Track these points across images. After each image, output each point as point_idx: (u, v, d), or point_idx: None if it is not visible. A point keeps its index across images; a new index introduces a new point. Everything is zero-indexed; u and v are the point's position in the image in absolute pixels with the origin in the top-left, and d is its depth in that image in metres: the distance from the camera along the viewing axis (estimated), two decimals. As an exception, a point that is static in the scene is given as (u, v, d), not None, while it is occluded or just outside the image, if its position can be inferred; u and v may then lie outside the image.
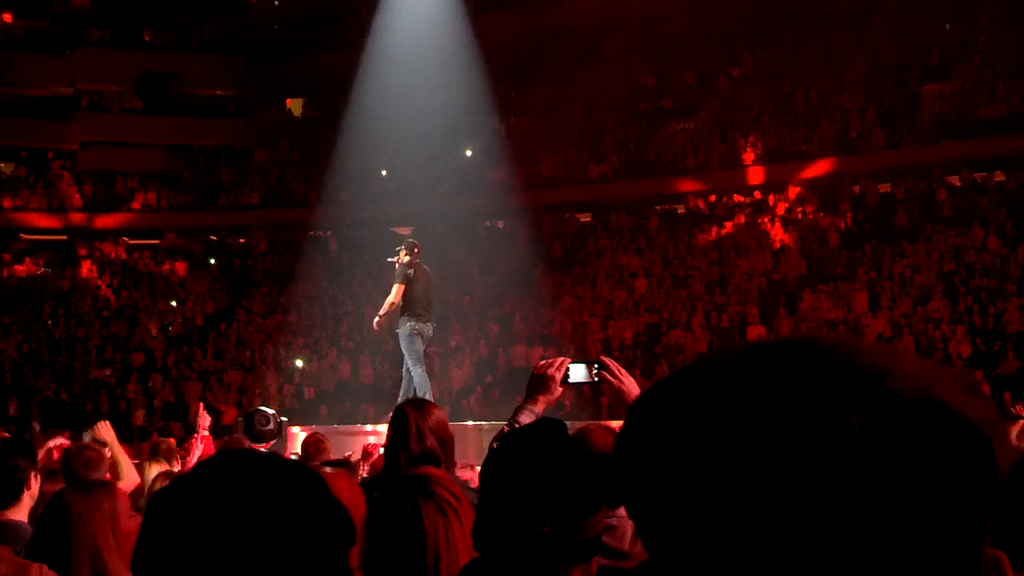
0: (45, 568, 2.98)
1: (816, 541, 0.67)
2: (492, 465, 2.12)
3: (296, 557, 1.06)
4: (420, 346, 10.67)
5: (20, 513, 4.09)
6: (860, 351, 0.72)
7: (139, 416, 24.21)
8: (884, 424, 0.67)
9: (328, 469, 5.26)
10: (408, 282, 10.59)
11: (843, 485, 0.66)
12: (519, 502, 1.97)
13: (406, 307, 10.62)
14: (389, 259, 11.01)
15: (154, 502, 1.12)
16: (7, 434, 10.21)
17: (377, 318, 11.05)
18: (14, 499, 4.04)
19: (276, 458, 1.20)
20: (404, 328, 10.63)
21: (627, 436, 0.78)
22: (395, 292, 10.61)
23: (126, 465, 5.69)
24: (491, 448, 2.21)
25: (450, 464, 3.94)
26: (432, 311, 10.81)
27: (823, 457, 0.67)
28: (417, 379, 10.66)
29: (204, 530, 1.05)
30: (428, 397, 10.52)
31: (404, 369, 10.90)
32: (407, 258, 10.68)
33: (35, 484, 4.18)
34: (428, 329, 10.71)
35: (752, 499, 0.68)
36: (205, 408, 7.66)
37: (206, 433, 7.36)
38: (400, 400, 10.60)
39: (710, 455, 0.70)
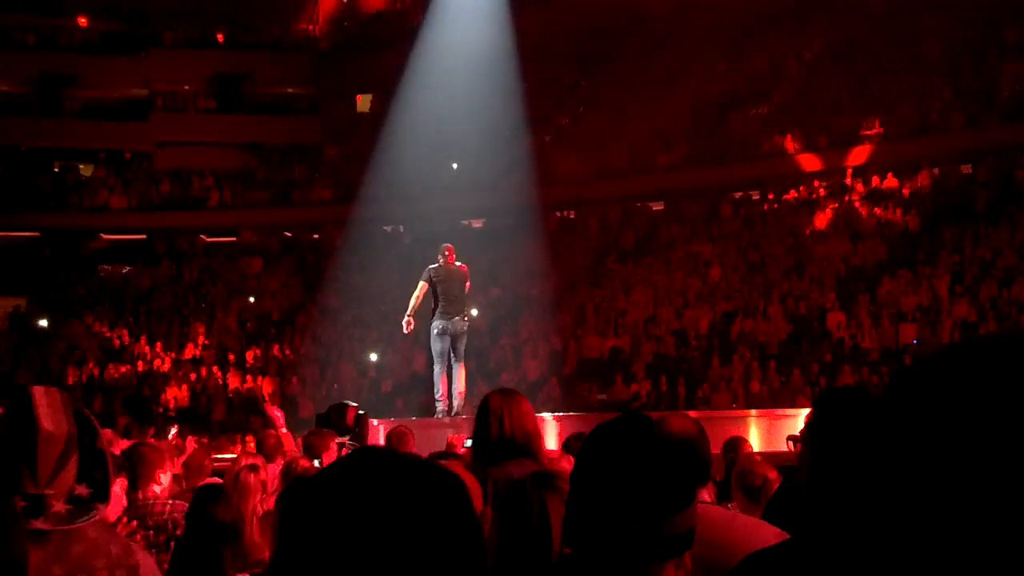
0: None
1: None
2: (582, 462, 2.12)
3: (436, 565, 1.07)
4: (442, 345, 11.30)
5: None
6: None
7: (219, 411, 24.93)
8: None
9: (444, 461, 5.49)
10: (431, 282, 11.24)
11: None
12: (609, 499, 1.98)
13: (433, 307, 11.31)
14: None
15: (296, 499, 1.14)
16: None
17: (406, 319, 11.56)
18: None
19: (416, 459, 1.20)
20: (432, 327, 11.33)
21: (892, 402, 0.80)
22: (416, 291, 11.35)
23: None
24: (581, 445, 2.19)
25: (539, 455, 3.93)
26: (458, 306, 11.33)
27: None
28: (435, 377, 11.42)
29: (348, 534, 1.06)
30: (438, 396, 11.29)
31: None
32: (439, 260, 11.35)
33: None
34: (454, 325, 11.25)
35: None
36: (272, 406, 7.67)
37: (285, 430, 7.69)
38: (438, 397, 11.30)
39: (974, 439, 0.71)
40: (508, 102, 24.80)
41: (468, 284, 11.45)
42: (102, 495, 2.32)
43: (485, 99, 25.18)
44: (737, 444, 7.08)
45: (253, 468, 5.62)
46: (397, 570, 1.04)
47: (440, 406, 11.45)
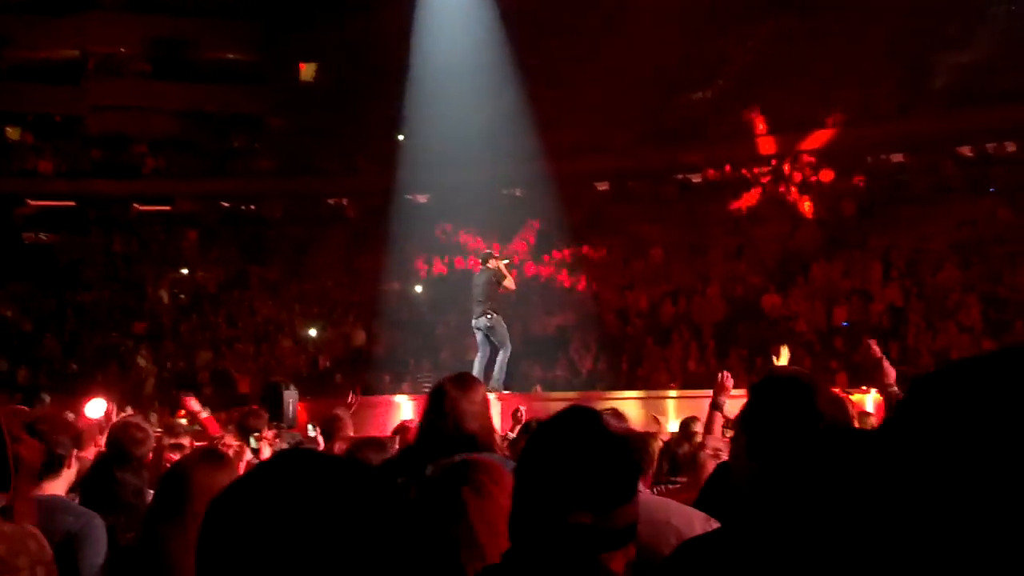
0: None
1: None
2: (527, 457, 2.16)
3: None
4: (478, 337, 13.61)
5: (59, 488, 4.23)
6: None
7: (150, 385, 25.21)
8: None
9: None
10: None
11: None
12: (557, 493, 2.02)
13: None
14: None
15: (220, 506, 1.14)
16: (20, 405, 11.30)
17: None
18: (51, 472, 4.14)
19: (342, 462, 1.22)
20: None
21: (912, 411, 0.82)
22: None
23: None
24: (526, 441, 2.27)
25: (493, 449, 3.86)
26: (477, 308, 13.52)
27: None
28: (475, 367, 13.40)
29: (267, 543, 1.07)
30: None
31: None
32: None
33: (75, 461, 4.33)
34: (477, 322, 13.50)
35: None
36: (187, 398, 7.95)
37: (205, 415, 7.81)
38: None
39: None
40: (460, 78, 25.38)
41: (502, 282, 13.44)
42: (3, 483, 2.40)
43: (436, 74, 25.76)
44: (691, 424, 7.43)
45: (178, 448, 5.81)
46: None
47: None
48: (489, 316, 13.32)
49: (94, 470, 4.84)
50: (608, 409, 4.90)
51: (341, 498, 1.11)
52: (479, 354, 13.68)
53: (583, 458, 2.05)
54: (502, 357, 13.39)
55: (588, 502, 2.00)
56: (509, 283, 13.50)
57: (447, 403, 3.77)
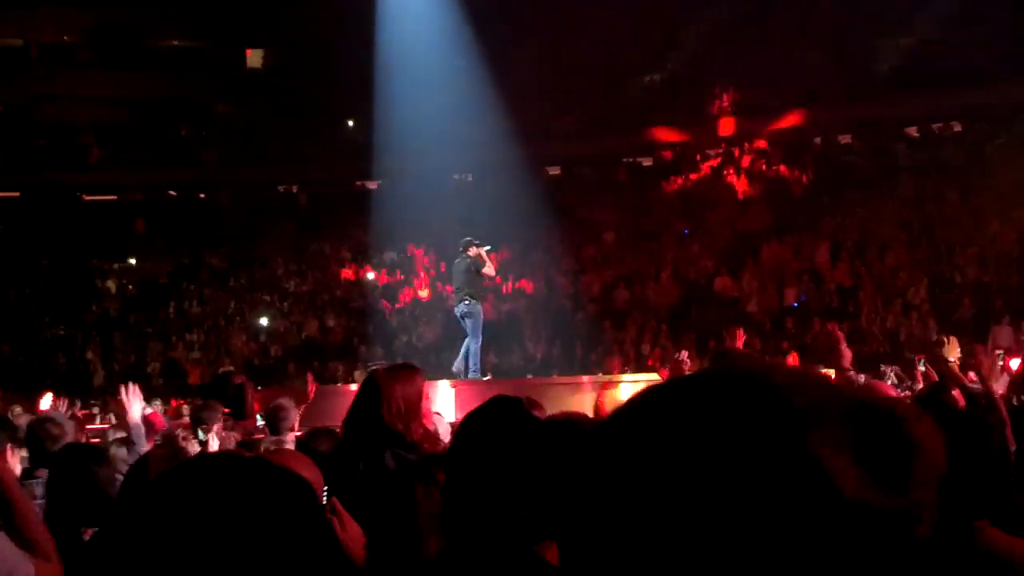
0: None
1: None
2: (455, 452, 2.15)
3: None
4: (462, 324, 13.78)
5: None
6: (786, 384, 0.80)
7: (99, 377, 24.97)
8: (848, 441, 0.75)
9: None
10: None
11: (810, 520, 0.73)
12: (488, 487, 2.01)
13: None
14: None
15: (137, 508, 1.13)
16: None
17: None
18: None
19: (265, 469, 1.20)
20: None
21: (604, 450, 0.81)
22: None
23: None
24: (454, 435, 2.21)
25: (423, 442, 3.74)
26: (456, 293, 13.69)
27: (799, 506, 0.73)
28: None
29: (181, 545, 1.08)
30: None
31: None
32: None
33: (13, 457, 4.21)
34: (457, 308, 13.56)
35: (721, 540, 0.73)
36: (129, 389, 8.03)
37: (150, 410, 7.30)
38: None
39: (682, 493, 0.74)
40: (412, 64, 25.35)
41: (481, 270, 13.34)
42: None
43: (389, 60, 25.71)
44: None
45: (125, 442, 5.70)
46: None
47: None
48: (467, 302, 13.34)
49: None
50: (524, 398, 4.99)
51: (242, 506, 1.11)
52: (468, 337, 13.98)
53: (510, 450, 2.03)
54: (474, 347, 13.43)
55: (525, 495, 1.98)
56: (489, 270, 13.50)
57: (379, 393, 3.68)
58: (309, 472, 2.69)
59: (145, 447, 5.63)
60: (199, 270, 28.79)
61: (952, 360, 6.60)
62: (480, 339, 13.51)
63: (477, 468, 2.05)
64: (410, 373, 3.85)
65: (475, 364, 13.39)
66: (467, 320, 13.44)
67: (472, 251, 13.32)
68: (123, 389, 6.30)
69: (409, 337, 24.13)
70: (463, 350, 13.45)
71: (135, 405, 5.93)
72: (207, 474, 1.16)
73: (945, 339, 6.67)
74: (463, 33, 25.40)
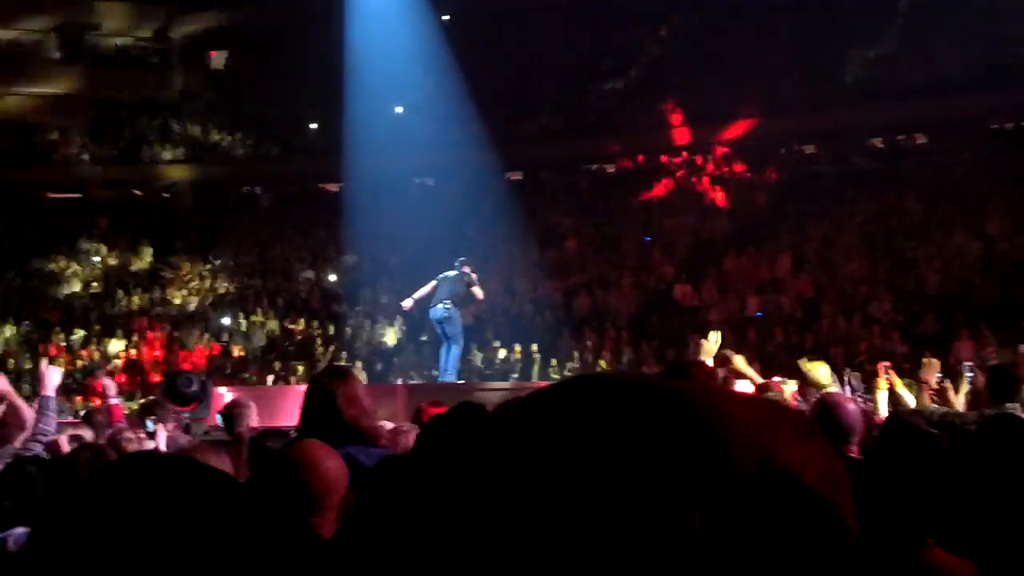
0: None
1: None
2: (418, 457, 2.19)
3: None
4: (437, 330, 14.17)
5: None
6: (695, 406, 0.74)
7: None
8: (727, 516, 0.70)
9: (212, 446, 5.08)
10: None
11: None
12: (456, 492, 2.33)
13: None
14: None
15: (56, 510, 1.12)
16: None
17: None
18: None
19: (189, 469, 1.17)
20: None
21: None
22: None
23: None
24: (415, 442, 2.26)
25: (374, 439, 3.87)
26: (434, 299, 13.76)
27: (668, 561, 0.69)
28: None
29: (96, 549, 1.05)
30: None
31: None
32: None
33: None
34: (433, 312, 13.78)
35: None
36: (104, 375, 7.84)
37: (115, 400, 7.55)
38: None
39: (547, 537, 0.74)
40: (373, 66, 25.36)
41: (471, 287, 13.79)
42: None
43: (350, 62, 25.70)
44: None
45: (76, 439, 5.61)
46: None
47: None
48: (447, 307, 13.61)
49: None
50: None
51: (167, 507, 1.10)
52: (443, 347, 14.10)
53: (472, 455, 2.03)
54: (455, 352, 13.80)
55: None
56: (478, 291, 13.97)
57: (333, 393, 3.82)
58: (332, 462, 2.76)
59: (54, 419, 5.74)
60: (161, 269, 28.63)
61: (934, 381, 6.64)
62: (462, 343, 14.05)
63: (439, 472, 2.01)
64: (352, 373, 4.08)
65: (453, 366, 13.82)
66: (444, 325, 13.76)
67: (467, 268, 13.78)
68: (44, 362, 6.47)
69: (370, 339, 24.06)
70: (444, 356, 13.91)
71: (52, 377, 5.93)
72: (129, 475, 1.14)
73: (925, 360, 6.62)
74: (427, 37, 25.38)
